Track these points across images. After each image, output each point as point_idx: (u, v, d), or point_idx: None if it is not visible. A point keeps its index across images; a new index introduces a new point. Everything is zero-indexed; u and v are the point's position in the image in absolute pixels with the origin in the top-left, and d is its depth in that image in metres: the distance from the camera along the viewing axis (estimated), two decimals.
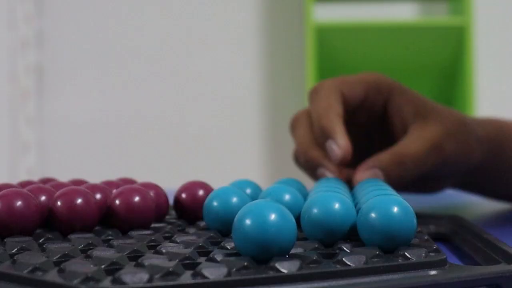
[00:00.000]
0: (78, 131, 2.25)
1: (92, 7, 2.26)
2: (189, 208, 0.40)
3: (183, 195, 0.40)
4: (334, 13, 2.18)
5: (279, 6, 2.22)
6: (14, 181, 2.26)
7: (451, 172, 0.51)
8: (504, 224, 0.51)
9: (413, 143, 0.47)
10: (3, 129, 2.25)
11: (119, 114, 2.24)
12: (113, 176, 2.21)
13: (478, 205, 0.62)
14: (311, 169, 0.49)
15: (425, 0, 2.20)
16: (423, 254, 0.28)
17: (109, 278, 0.24)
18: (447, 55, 2.01)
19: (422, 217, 0.44)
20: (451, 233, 0.41)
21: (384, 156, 0.47)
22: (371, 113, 0.50)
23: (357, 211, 0.33)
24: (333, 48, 2.00)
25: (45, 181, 0.44)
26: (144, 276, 0.24)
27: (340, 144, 0.45)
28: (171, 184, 2.06)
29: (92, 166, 2.24)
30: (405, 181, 0.47)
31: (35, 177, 2.23)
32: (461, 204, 0.62)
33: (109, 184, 0.42)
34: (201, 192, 0.40)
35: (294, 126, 0.52)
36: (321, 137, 0.47)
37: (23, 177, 2.22)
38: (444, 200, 0.65)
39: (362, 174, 0.46)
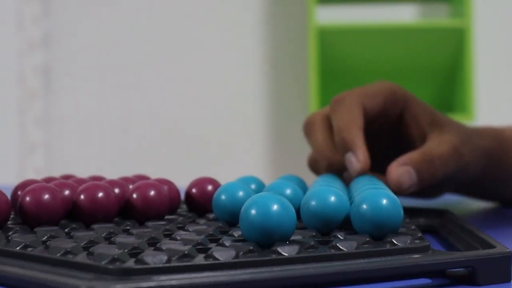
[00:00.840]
0: (85, 131, 2.28)
1: (98, 8, 2.29)
2: (199, 202, 0.44)
3: (194, 190, 0.44)
4: (337, 15, 2.21)
5: (282, 9, 2.25)
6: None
7: (457, 179, 0.52)
8: (489, 217, 0.54)
9: (438, 146, 0.49)
10: (11, 129, 2.28)
11: (126, 114, 2.27)
12: (121, 175, 2.24)
13: (466, 201, 0.64)
14: (336, 172, 0.50)
15: (425, 2, 2.23)
16: (409, 241, 0.32)
17: (133, 259, 0.28)
18: (447, 57, 2.03)
19: (413, 211, 0.48)
20: (439, 226, 0.44)
21: (415, 155, 0.48)
22: (385, 122, 0.52)
23: (351, 204, 0.37)
24: (335, 50, 2.03)
25: (66, 177, 0.48)
26: (163, 257, 0.28)
27: (359, 157, 0.47)
28: (180, 181, 2.10)
29: (99, 165, 2.26)
30: (435, 181, 0.48)
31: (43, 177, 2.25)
32: (451, 200, 0.65)
33: (126, 180, 0.45)
34: (210, 187, 0.44)
35: (309, 130, 0.52)
36: (341, 149, 0.48)
37: (30, 177, 2.24)
38: None
39: (396, 169, 0.46)
